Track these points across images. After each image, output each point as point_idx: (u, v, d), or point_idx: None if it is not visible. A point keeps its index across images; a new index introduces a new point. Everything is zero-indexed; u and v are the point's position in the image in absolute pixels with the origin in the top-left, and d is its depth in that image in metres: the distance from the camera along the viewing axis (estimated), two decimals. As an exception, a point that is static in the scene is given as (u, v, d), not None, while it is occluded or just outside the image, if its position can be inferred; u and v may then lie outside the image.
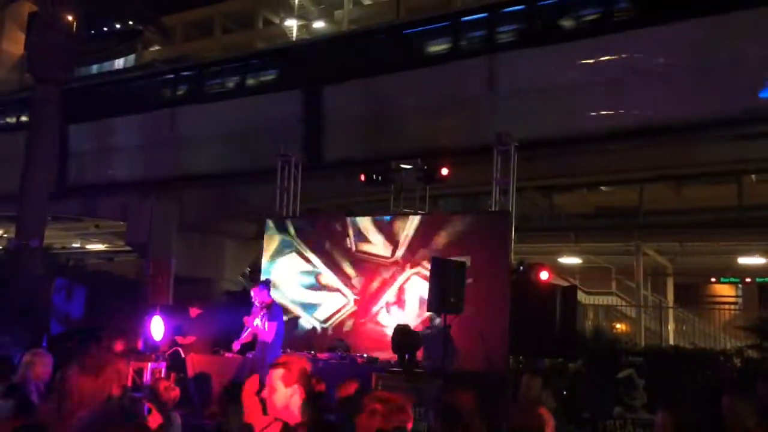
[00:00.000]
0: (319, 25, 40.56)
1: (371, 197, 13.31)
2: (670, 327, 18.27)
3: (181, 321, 10.15)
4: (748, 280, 20.36)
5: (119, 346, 8.97)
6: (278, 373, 3.20)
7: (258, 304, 9.16)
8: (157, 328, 9.63)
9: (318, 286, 11.35)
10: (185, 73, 19.31)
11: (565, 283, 15.10)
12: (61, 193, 17.37)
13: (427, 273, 9.28)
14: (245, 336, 9.36)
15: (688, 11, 11.00)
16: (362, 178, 11.36)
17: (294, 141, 13.32)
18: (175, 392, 5.96)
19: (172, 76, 19.63)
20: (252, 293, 9.35)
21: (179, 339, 9.78)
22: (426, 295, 8.86)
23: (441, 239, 10.34)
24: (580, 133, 11.90)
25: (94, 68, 34.14)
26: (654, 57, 11.13)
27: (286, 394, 3.17)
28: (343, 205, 14.87)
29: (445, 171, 10.75)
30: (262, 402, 3.28)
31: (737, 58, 10.55)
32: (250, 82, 17.56)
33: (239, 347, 9.49)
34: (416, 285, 10.39)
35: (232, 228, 18.69)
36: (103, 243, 27.20)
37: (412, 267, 10.52)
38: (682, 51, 10.92)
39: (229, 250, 18.86)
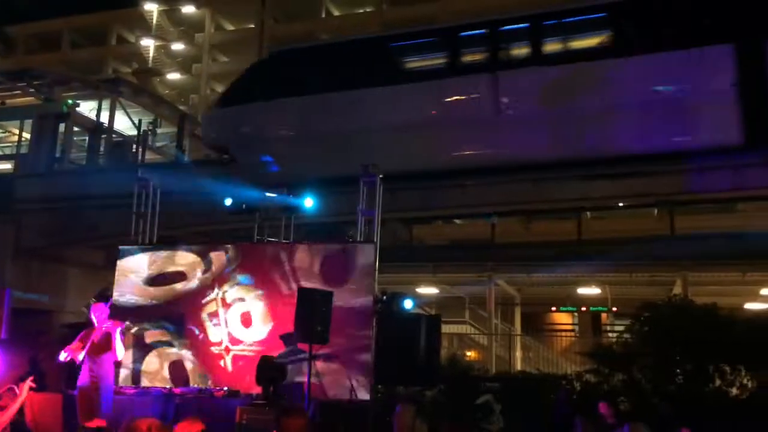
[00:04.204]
0: (178, 47, 39.35)
1: (234, 225, 12.97)
2: (518, 354, 19.36)
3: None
4: (583, 308, 22.13)
5: None
6: None
7: (97, 323, 8.37)
8: (-10, 364, 8.68)
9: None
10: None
11: (426, 313, 15.55)
12: None
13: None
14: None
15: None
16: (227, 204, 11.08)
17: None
18: None
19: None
20: (91, 311, 8.50)
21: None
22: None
23: (309, 268, 10.24)
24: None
25: None
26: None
27: None
28: (204, 232, 14.36)
29: (309, 202, 10.83)
30: None
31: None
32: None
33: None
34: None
35: (77, 255, 17.36)
36: None
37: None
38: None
39: (73, 279, 17.45)
